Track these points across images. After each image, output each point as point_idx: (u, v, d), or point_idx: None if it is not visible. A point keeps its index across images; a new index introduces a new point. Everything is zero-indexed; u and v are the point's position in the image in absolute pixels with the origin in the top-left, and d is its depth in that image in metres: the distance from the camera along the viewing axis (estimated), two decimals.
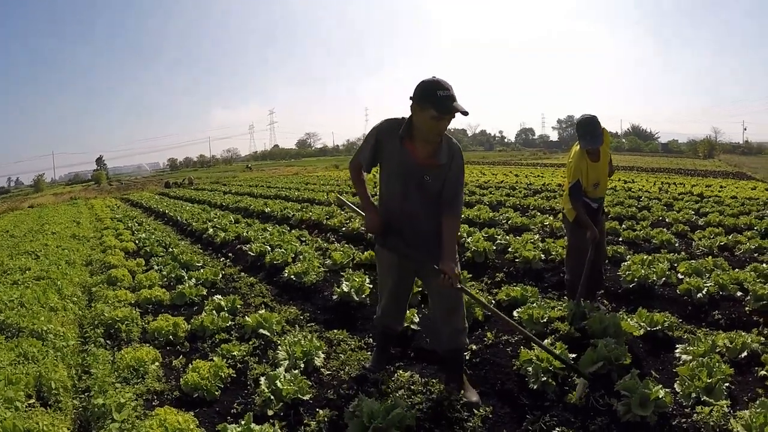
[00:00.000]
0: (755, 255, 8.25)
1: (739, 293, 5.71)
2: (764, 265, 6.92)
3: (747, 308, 5.38)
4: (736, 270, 6.54)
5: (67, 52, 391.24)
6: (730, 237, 9.35)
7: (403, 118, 3.39)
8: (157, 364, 4.14)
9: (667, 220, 11.90)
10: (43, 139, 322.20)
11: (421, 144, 3.33)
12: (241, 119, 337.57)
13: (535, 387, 3.56)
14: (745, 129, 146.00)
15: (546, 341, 3.98)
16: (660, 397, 3.19)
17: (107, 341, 4.74)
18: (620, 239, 9.35)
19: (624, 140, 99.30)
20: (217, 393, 3.71)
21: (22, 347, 4.21)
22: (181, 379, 3.78)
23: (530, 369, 3.66)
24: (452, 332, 3.59)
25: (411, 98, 3.22)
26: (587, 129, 4.83)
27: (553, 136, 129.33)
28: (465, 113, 3.15)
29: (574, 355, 3.84)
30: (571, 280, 5.50)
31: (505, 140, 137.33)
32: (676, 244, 8.99)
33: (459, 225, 3.73)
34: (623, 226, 10.41)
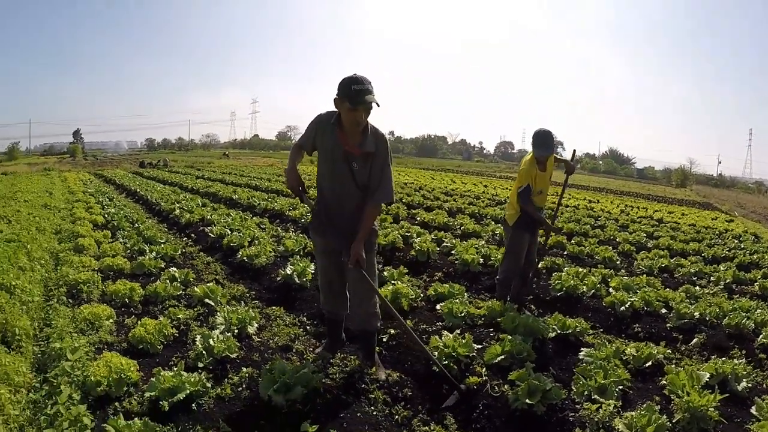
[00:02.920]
0: (694, 278, 8.43)
1: (663, 310, 5.93)
2: (697, 288, 7.18)
3: (668, 325, 5.61)
4: (668, 290, 6.74)
5: (47, 21, 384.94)
6: (672, 260, 9.52)
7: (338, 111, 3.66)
8: (111, 320, 4.55)
9: (617, 239, 12.02)
10: (20, 106, 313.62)
11: (348, 133, 3.62)
12: (223, 105, 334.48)
13: (437, 370, 3.86)
14: (720, 162, 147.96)
15: (456, 331, 4.35)
16: (548, 389, 3.47)
17: (69, 300, 5.10)
18: (565, 253, 9.47)
19: (600, 162, 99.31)
20: (159, 347, 4.10)
21: None
22: (129, 333, 4.16)
23: (436, 354, 3.98)
24: (364, 315, 3.92)
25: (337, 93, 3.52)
26: (543, 139, 5.35)
27: None
28: (377, 104, 3.44)
29: (479, 346, 4.20)
30: (501, 280, 5.83)
31: (484, 151, 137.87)
32: (618, 262, 9.22)
33: (379, 213, 3.99)
34: (572, 241, 10.61)
